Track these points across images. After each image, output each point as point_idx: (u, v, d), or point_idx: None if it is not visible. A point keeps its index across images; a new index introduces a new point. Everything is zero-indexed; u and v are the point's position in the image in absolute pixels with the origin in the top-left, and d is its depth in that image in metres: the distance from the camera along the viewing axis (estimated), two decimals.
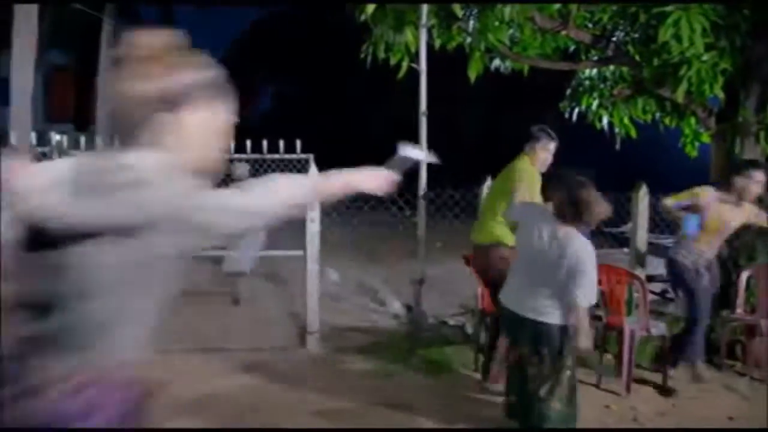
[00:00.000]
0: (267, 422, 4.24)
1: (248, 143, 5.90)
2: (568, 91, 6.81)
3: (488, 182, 6.08)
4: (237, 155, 5.98)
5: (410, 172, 5.56)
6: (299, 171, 6.18)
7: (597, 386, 4.90)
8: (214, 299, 7.62)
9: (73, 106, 23.99)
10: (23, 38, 11.08)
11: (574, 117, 6.71)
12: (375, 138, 23.82)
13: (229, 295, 7.50)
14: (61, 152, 5.60)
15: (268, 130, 7.45)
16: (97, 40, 16.77)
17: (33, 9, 10.95)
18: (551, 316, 3.61)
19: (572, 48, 6.34)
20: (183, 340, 5.94)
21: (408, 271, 6.01)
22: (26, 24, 10.98)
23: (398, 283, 7.53)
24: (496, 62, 6.24)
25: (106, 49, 16.54)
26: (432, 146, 5.46)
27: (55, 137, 5.60)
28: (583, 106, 6.61)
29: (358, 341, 5.93)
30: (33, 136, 6.16)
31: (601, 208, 3.68)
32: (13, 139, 6.40)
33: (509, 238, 4.57)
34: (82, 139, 5.91)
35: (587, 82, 6.61)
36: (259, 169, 6.88)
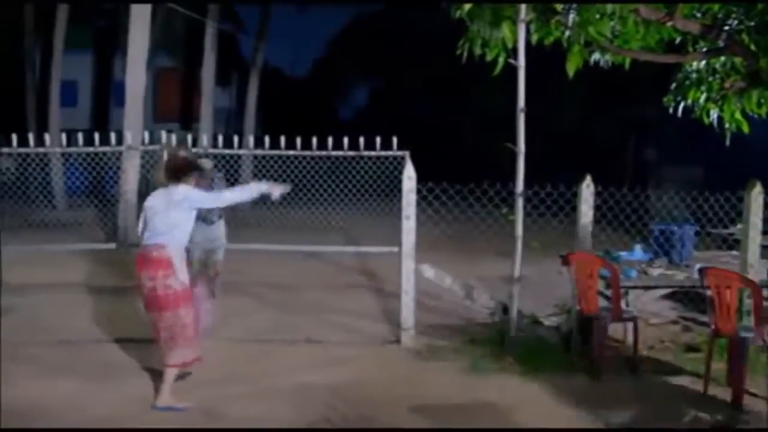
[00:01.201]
0: (364, 415, 4.33)
1: (345, 140, 5.99)
2: (673, 85, 6.49)
3: (587, 181, 5.92)
4: (335, 152, 6.11)
5: (508, 169, 5.50)
6: (395, 168, 6.23)
7: (703, 394, 4.68)
8: (310, 292, 7.87)
9: (178, 106, 25.30)
10: (137, 41, 11.83)
11: (679, 112, 6.40)
12: (469, 134, 23.66)
13: (326, 288, 7.73)
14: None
15: (364, 126, 7.59)
16: (201, 41, 17.59)
17: (146, 12, 11.67)
18: None
19: (678, 39, 6.04)
20: (280, 331, 6.19)
21: (504, 269, 5.95)
22: (141, 27, 11.72)
23: (493, 281, 7.48)
24: (596, 56, 6.04)
25: (209, 50, 17.30)
26: (528, 143, 5.42)
27: (164, 136, 5.94)
28: (690, 101, 6.29)
29: (452, 339, 5.95)
30: (146, 135, 6.56)
31: None
32: (128, 139, 6.84)
33: None
34: (189, 138, 6.20)
35: (694, 75, 6.27)
36: (356, 166, 7.07)
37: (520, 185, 5.47)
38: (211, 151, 6.53)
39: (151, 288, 4.42)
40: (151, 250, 4.44)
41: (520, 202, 5.49)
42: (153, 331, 4.56)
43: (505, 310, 5.90)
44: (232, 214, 7.07)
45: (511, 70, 5.48)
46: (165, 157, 5.09)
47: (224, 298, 6.58)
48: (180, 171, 4.53)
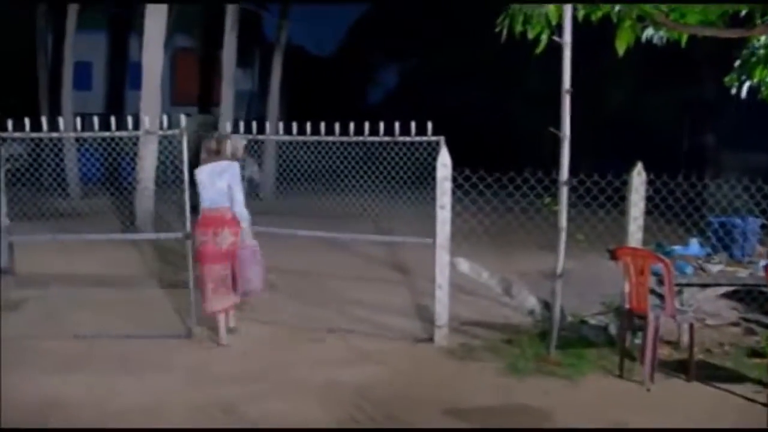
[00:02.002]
0: (394, 417, 4.37)
1: (381, 125, 6.00)
2: (737, 63, 6.35)
3: (638, 168, 5.84)
4: (369, 138, 6.12)
5: (551, 156, 5.47)
6: (429, 154, 6.22)
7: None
8: (337, 283, 7.92)
9: (197, 89, 25.57)
10: (154, 21, 12.00)
11: (743, 92, 6.26)
12: (509, 118, 23.44)
13: (354, 279, 7.77)
14: (190, 135, 6.03)
15: (394, 109, 7.58)
16: (221, 20, 17.71)
17: None
18: None
19: (743, 12, 5.90)
20: (306, 325, 6.27)
21: (545, 264, 5.92)
22: (158, 6, 11.88)
23: (534, 276, 7.46)
24: (649, 32, 5.93)
25: (230, 29, 17.42)
26: (574, 127, 5.37)
27: (183, 120, 6.02)
28: (755, 80, 6.14)
29: (489, 337, 5.96)
30: (165, 119, 6.65)
31: None
32: (146, 123, 6.94)
33: None
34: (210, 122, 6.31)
35: (762, 51, 6.12)
36: (390, 152, 7.06)
37: (564, 173, 5.42)
38: (234, 136, 6.58)
39: (214, 242, 5.69)
40: (222, 212, 5.73)
41: (564, 192, 5.44)
42: (201, 282, 5.80)
43: (547, 307, 5.88)
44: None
45: (555, 49, 5.43)
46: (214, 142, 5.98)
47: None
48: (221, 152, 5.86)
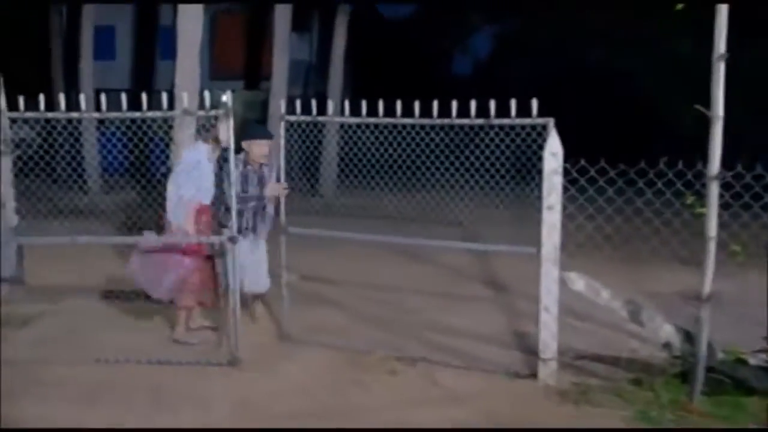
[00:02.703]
0: None
1: (472, 105, 5.94)
2: None
3: None
4: (458, 121, 6.08)
5: (696, 143, 5.31)
6: (534, 141, 6.16)
7: None
8: (415, 302, 7.95)
9: (243, 59, 26.12)
10: None
11: None
12: (638, 94, 22.89)
13: (435, 297, 7.77)
14: (234, 116, 6.10)
15: (488, 85, 7.56)
16: None
17: None
18: None
19: None
20: (382, 348, 6.32)
21: (687, 282, 5.78)
22: None
23: (671, 298, 7.30)
24: None
25: None
26: (728, 105, 5.21)
27: (224, 98, 6.10)
28: None
29: (610, 376, 5.86)
30: (207, 96, 6.78)
31: None
32: (184, 100, 7.07)
33: None
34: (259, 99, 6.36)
35: None
36: (482, 139, 7.03)
37: (714, 165, 5.27)
38: (288, 118, 6.68)
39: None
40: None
41: (714, 189, 5.29)
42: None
43: (689, 340, 5.73)
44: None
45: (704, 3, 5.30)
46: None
47: (300, 304, 6.78)
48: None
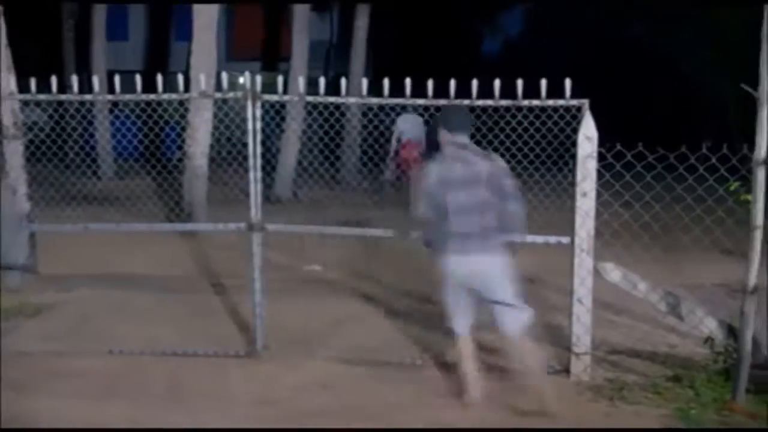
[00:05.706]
0: None
1: (497, 84, 5.87)
2: None
3: None
4: (481, 102, 6.03)
5: (741, 126, 5.23)
6: (567, 123, 6.11)
7: None
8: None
9: (261, 40, 26.17)
10: None
11: None
12: (679, 74, 22.63)
13: None
14: (256, 98, 6.08)
15: (517, 64, 7.49)
16: None
17: None
18: None
19: None
20: (398, 350, 6.31)
21: (730, 274, 5.72)
22: None
23: (713, 291, 7.23)
24: None
25: None
26: None
27: (245, 79, 6.09)
28: None
29: (647, 372, 5.82)
30: (224, 78, 6.77)
31: None
32: (201, 82, 7.06)
33: None
34: (279, 81, 6.31)
35: None
36: (509, 121, 6.90)
37: (762, 149, 5.21)
38: (309, 99, 6.65)
39: None
40: None
41: (760, 175, 5.23)
42: None
43: (733, 335, 5.69)
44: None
45: None
46: None
47: (320, 297, 6.77)
48: None
